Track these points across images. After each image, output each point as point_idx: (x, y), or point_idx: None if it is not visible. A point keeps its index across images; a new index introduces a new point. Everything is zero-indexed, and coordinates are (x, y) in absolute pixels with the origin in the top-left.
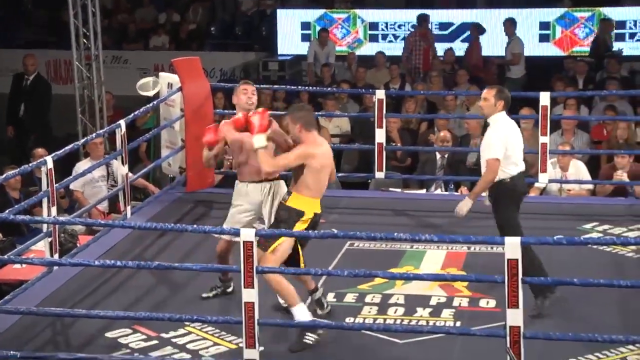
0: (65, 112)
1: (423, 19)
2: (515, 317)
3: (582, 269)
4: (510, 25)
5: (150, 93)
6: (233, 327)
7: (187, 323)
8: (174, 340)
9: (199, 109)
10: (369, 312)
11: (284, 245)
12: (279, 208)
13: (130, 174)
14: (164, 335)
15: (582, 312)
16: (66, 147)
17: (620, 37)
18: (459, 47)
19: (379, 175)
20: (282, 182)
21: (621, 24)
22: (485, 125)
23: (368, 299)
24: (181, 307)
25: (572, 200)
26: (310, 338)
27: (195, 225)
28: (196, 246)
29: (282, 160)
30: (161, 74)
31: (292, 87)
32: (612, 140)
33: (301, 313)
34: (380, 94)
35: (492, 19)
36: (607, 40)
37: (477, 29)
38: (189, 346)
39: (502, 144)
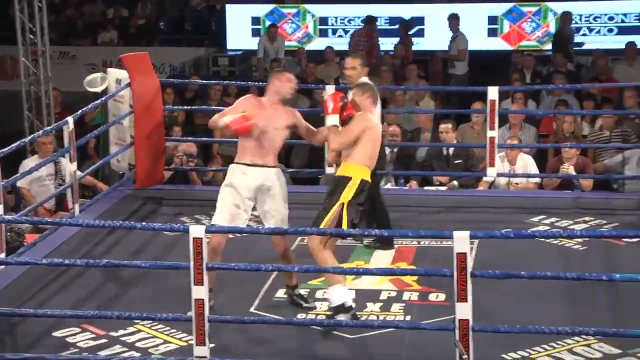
0: (11, 108)
1: (370, 20)
2: (464, 311)
3: (530, 262)
4: (454, 21)
5: (99, 89)
6: (183, 324)
7: (136, 321)
8: (123, 338)
9: (148, 105)
10: (320, 307)
11: (327, 223)
12: (328, 181)
13: (78, 172)
14: (113, 333)
15: (530, 305)
16: (12, 145)
17: None
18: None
19: (329, 170)
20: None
21: None
22: None
23: (319, 294)
24: (130, 305)
25: (520, 194)
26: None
27: (144, 223)
28: (146, 243)
29: (347, 134)
30: (109, 69)
31: (243, 82)
32: (559, 133)
33: (339, 293)
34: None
35: (442, 13)
36: (568, 33)
37: (405, 27)
38: (138, 344)
39: None
